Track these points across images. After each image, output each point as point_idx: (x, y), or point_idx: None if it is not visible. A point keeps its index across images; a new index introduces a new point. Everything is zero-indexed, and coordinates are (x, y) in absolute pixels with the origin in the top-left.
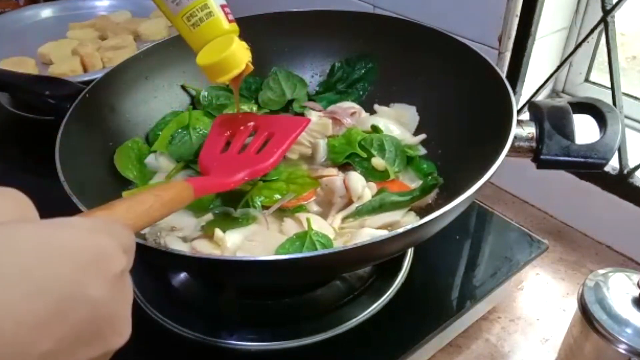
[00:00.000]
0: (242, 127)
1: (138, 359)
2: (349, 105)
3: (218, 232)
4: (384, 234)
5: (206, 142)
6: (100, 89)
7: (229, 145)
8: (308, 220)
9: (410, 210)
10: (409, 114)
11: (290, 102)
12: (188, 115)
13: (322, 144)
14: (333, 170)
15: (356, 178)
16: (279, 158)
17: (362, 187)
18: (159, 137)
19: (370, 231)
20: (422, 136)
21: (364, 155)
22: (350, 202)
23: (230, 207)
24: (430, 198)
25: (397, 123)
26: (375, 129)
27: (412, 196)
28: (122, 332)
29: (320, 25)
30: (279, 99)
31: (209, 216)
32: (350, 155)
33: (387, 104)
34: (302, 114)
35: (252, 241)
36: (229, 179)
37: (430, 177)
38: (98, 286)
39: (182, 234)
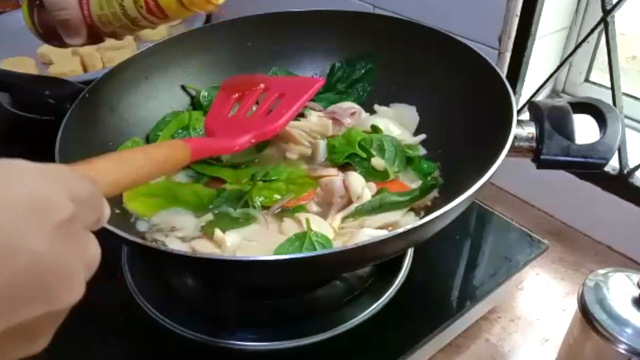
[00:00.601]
0: (251, 89)
1: (138, 358)
2: (349, 105)
3: (218, 232)
4: (383, 234)
5: (213, 104)
6: (100, 89)
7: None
8: (307, 220)
9: (410, 210)
10: (409, 114)
11: None
12: (188, 116)
13: (322, 144)
14: (333, 171)
15: (356, 178)
16: (288, 119)
17: (361, 188)
18: (159, 138)
19: (369, 231)
20: (422, 136)
21: (364, 155)
22: (349, 202)
23: (230, 207)
24: (430, 198)
25: (397, 123)
26: (375, 129)
27: (412, 196)
28: (70, 289)
29: (320, 25)
30: None
31: (208, 216)
32: (350, 155)
33: (387, 104)
34: (302, 114)
35: (251, 241)
36: (233, 142)
37: (430, 178)
38: (37, 236)
39: (182, 234)
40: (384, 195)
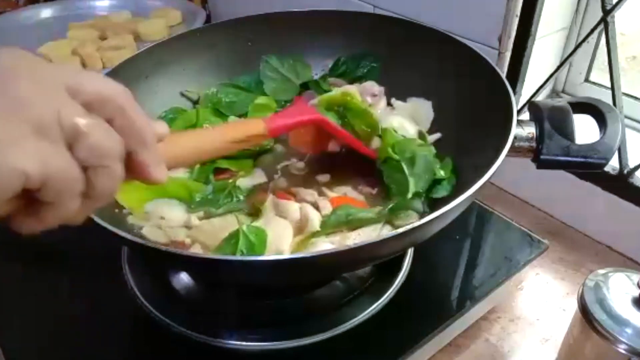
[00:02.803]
0: None
1: (138, 358)
2: (372, 84)
3: (193, 217)
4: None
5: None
6: None
7: None
8: (237, 216)
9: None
10: (424, 110)
11: (304, 86)
12: (195, 114)
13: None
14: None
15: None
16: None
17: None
18: None
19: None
20: (437, 135)
21: (397, 157)
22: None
23: (215, 196)
24: (414, 217)
25: (413, 121)
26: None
27: (381, 215)
28: None
29: (321, 25)
30: (285, 85)
31: (200, 214)
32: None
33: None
34: (328, 91)
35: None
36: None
37: (396, 202)
38: None
39: (168, 225)
40: (350, 210)
